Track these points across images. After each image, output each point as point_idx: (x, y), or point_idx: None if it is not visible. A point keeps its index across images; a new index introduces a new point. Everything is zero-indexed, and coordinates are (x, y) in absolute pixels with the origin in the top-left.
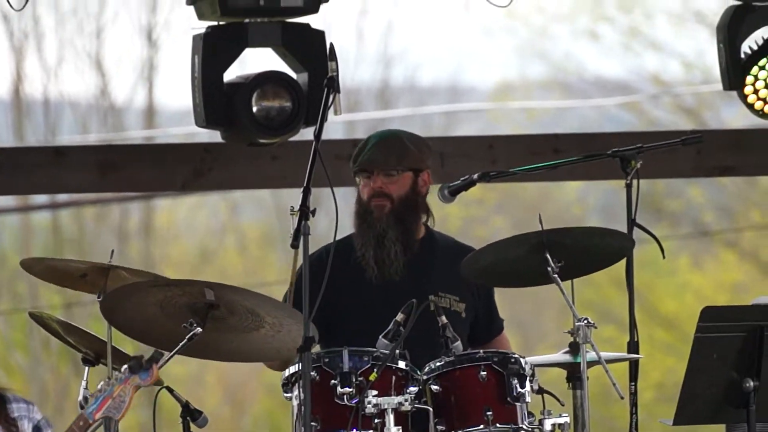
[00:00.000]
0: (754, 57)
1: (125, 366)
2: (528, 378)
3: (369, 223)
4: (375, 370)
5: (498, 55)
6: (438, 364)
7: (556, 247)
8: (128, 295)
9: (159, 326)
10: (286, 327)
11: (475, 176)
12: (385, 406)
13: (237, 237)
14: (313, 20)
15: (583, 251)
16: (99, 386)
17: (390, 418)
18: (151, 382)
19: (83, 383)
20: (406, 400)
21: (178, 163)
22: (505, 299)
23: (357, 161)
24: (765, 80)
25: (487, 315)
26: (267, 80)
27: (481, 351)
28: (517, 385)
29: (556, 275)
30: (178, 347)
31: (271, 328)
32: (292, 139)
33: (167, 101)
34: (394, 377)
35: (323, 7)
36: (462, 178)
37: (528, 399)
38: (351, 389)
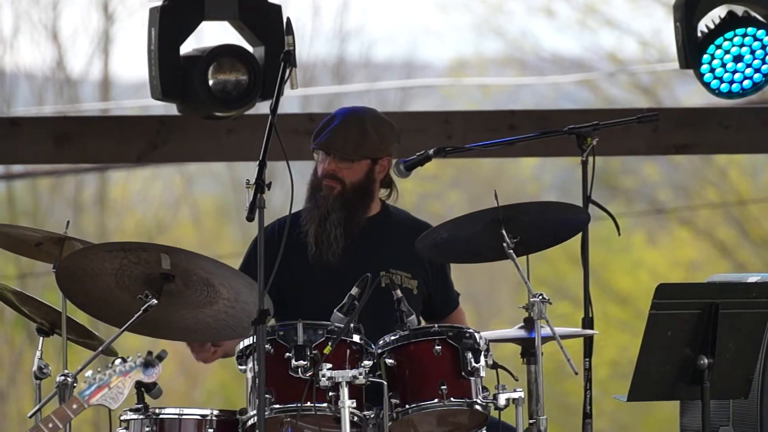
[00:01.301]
0: (711, 36)
1: (130, 358)
2: (483, 353)
3: (316, 200)
4: (329, 343)
5: (454, 31)
6: (393, 338)
7: (511, 222)
8: (83, 260)
9: (113, 299)
10: (242, 300)
11: (431, 152)
12: (340, 380)
13: (191, 209)
14: None
15: (538, 227)
16: (90, 373)
17: (344, 392)
18: (154, 380)
19: (38, 353)
20: (360, 374)
21: (133, 135)
22: (459, 274)
23: (317, 139)
24: (721, 59)
25: (443, 291)
26: (223, 53)
27: (436, 325)
28: (472, 360)
29: (511, 251)
30: (134, 319)
31: (227, 302)
32: (248, 112)
33: (123, 74)
34: (348, 351)
35: None
36: (418, 154)
37: (482, 373)
38: (305, 362)
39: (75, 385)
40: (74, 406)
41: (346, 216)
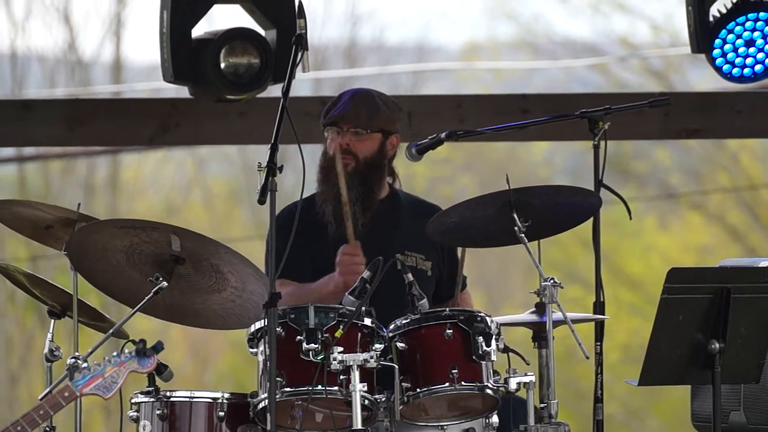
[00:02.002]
0: (723, 20)
1: (127, 350)
2: (494, 337)
3: (331, 179)
4: (341, 326)
5: (466, 15)
6: (404, 321)
7: (523, 206)
8: (94, 235)
9: (123, 278)
10: (249, 290)
11: (443, 135)
12: (351, 363)
13: (203, 192)
14: None
15: (549, 211)
16: (86, 365)
17: (355, 375)
18: (149, 371)
19: (49, 336)
20: (371, 357)
21: (145, 118)
22: (471, 259)
23: (328, 115)
24: (733, 43)
25: (452, 272)
26: (235, 36)
27: (447, 309)
28: (483, 344)
29: (522, 235)
30: (145, 300)
31: (234, 291)
32: (259, 95)
33: (135, 56)
34: (359, 334)
35: None
36: (430, 137)
37: (493, 357)
38: (316, 345)
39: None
40: (66, 394)
41: (363, 192)
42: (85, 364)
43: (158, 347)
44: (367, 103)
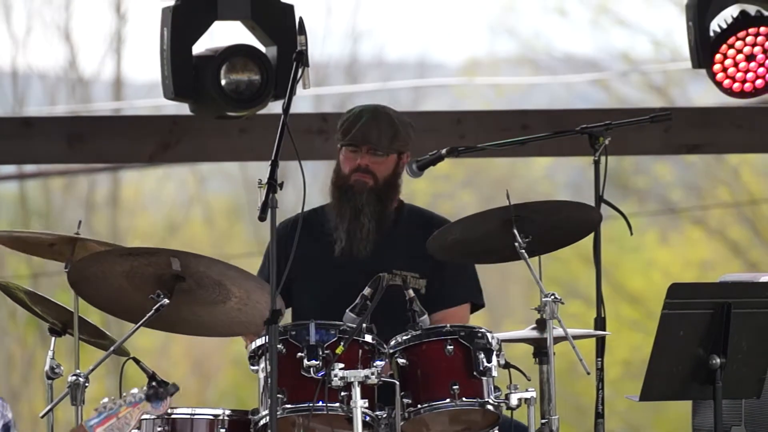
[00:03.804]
0: (723, 35)
1: (141, 391)
2: (495, 352)
3: (348, 196)
4: (342, 343)
5: (467, 31)
6: (405, 337)
7: (523, 222)
8: (94, 264)
9: (126, 298)
10: (254, 299)
11: (444, 151)
12: (352, 380)
13: (204, 209)
14: None
15: (550, 226)
16: (104, 402)
17: (356, 391)
18: (161, 413)
19: (50, 353)
20: (372, 374)
21: (146, 135)
22: None
23: (349, 134)
24: (734, 58)
25: (439, 286)
26: (236, 53)
27: (449, 325)
28: (484, 360)
29: (523, 250)
30: (145, 318)
31: (239, 300)
32: (260, 112)
33: (135, 73)
34: (360, 350)
35: None
36: (430, 153)
37: (494, 373)
38: (318, 362)
39: (87, 385)
40: None
41: (379, 209)
42: (104, 399)
43: (172, 390)
44: (388, 125)
